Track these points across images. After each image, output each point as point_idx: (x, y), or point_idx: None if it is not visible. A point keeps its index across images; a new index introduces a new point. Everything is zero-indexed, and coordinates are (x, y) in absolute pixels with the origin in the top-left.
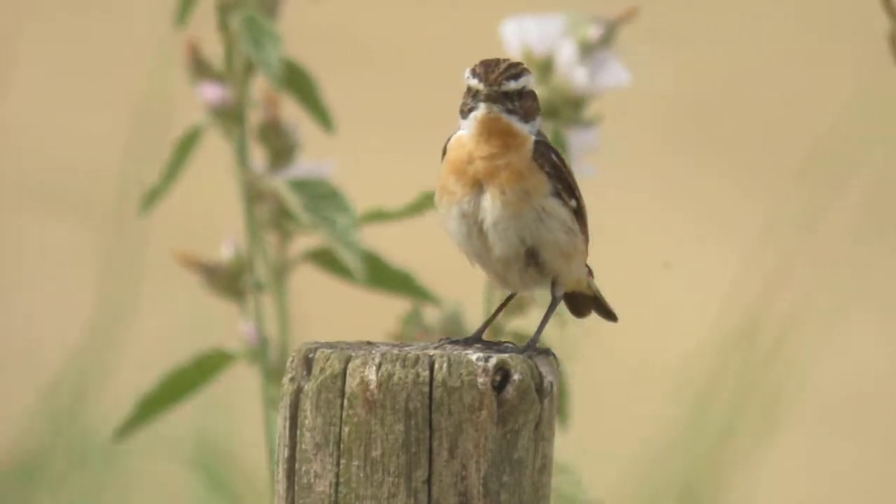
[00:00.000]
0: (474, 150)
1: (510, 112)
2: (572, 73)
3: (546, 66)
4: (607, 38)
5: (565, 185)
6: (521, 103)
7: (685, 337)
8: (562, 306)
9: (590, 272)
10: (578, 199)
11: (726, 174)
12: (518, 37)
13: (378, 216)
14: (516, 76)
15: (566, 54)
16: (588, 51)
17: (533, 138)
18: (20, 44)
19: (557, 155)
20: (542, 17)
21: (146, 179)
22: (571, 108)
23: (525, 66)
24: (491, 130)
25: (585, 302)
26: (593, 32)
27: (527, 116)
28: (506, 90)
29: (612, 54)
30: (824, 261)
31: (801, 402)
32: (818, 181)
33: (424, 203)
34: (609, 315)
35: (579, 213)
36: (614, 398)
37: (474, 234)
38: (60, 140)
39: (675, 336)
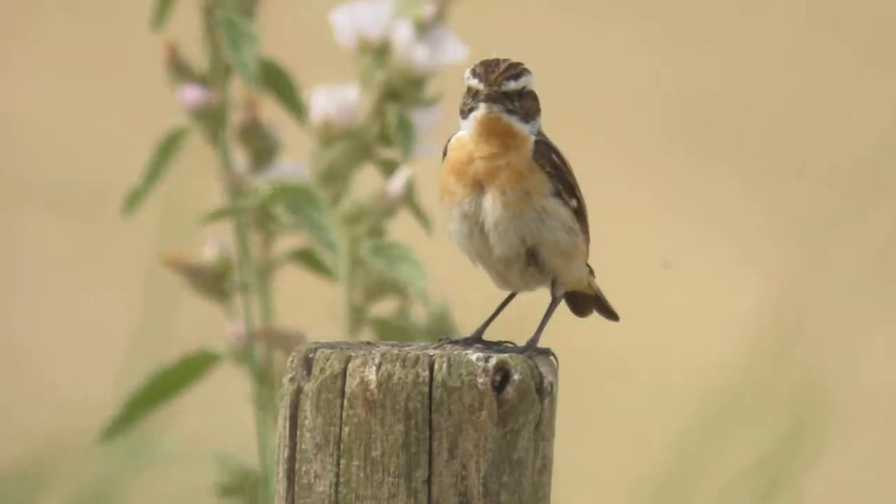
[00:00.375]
0: (474, 151)
1: (510, 112)
2: (410, 53)
3: (383, 50)
4: (441, 15)
5: (566, 185)
6: (522, 103)
7: (686, 336)
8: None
9: (591, 272)
10: (579, 198)
11: (727, 174)
12: (350, 24)
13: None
14: (516, 76)
15: (402, 35)
16: (423, 29)
17: (533, 138)
18: (17, 42)
19: (558, 154)
20: (372, 2)
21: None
22: (413, 88)
23: (525, 66)
24: (491, 130)
25: (587, 301)
26: (427, 11)
27: (527, 116)
28: (506, 90)
29: (447, 30)
30: (849, 264)
31: (841, 404)
32: (819, 181)
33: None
34: (610, 315)
35: (580, 213)
36: (615, 398)
37: (476, 234)
38: (65, 140)
39: (676, 335)
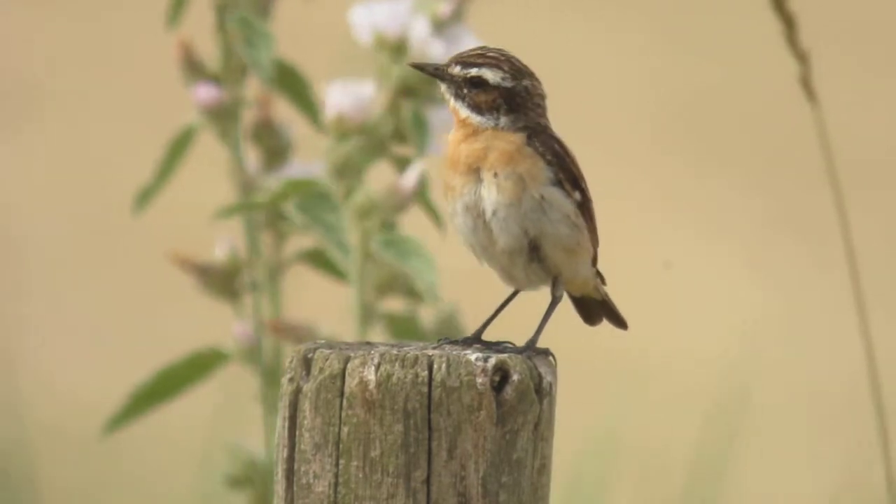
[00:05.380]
0: (454, 134)
1: (457, 97)
2: (427, 49)
3: (400, 48)
4: (458, 13)
5: (568, 175)
6: (472, 92)
7: (686, 336)
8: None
9: (600, 276)
10: (584, 192)
11: (725, 175)
12: (368, 21)
13: None
14: (465, 64)
15: (419, 32)
16: (440, 27)
17: (503, 132)
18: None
19: (561, 144)
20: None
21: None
22: (428, 85)
23: (494, 60)
24: (450, 110)
25: (595, 307)
26: (444, 8)
27: (478, 108)
28: (451, 73)
29: (464, 28)
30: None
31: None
32: (817, 181)
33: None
34: (619, 322)
35: (585, 209)
36: (615, 398)
37: (479, 226)
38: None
39: (676, 335)
